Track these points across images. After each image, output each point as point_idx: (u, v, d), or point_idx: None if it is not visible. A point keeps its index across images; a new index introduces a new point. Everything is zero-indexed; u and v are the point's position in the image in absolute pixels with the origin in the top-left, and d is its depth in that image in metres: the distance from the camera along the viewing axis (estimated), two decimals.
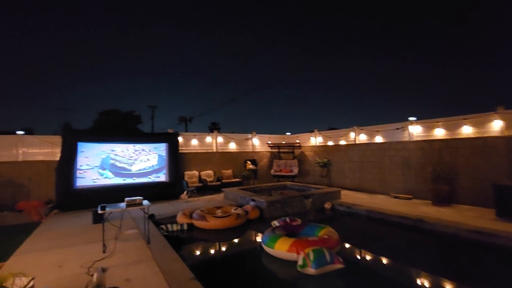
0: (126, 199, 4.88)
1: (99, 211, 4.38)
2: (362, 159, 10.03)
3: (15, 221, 7.26)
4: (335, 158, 11.14)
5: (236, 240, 5.93)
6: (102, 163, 8.53)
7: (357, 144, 10.46)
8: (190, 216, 6.62)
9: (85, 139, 8.41)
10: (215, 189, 10.63)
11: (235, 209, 7.01)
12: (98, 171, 8.42)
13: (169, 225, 6.20)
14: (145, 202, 5.01)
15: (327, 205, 8.03)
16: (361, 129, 10.45)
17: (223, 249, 5.49)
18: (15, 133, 8.44)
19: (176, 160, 9.99)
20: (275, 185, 10.63)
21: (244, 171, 11.85)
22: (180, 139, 10.64)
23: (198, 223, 6.26)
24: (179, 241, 5.58)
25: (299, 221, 5.84)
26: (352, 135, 10.76)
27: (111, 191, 8.48)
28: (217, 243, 5.71)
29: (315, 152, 12.22)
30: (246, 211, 6.84)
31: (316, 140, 12.41)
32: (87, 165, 8.24)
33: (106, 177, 8.55)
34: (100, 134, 9.19)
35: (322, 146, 12.07)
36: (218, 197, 9.66)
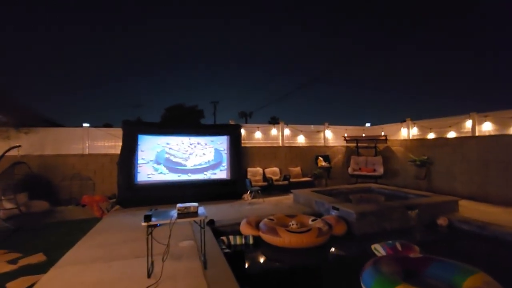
0: (178, 205, 3.70)
1: (143, 223, 3.26)
2: (486, 158, 7.26)
3: (78, 216, 6.99)
4: (439, 156, 8.49)
5: (321, 270, 4.29)
6: (157, 157, 7.86)
7: (476, 136, 7.67)
8: (257, 226, 5.25)
9: (144, 131, 7.82)
10: (282, 189, 9.15)
11: (313, 220, 5.39)
12: (153, 166, 7.78)
13: (231, 237, 4.92)
14: (201, 211, 3.77)
15: (442, 221, 5.75)
16: (484, 116, 7.62)
17: (304, 283, 3.90)
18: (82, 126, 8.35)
19: (238, 155, 8.81)
20: (357, 187, 8.60)
21: (316, 169, 10.08)
22: (242, 131, 9.44)
23: (267, 237, 4.83)
24: (243, 262, 4.24)
25: (416, 251, 3.90)
26: (468, 124, 7.98)
27: (169, 188, 7.78)
28: (294, 272, 4.15)
29: (407, 147, 9.67)
30: (329, 225, 5.13)
31: (409, 132, 9.82)
32: (143, 159, 7.63)
33: (161, 173, 7.86)
34: (157, 126, 8.55)
35: (418, 139, 9.46)
36: (286, 200, 8.16)
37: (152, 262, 3.72)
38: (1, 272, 3.92)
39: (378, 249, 4.05)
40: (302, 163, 10.29)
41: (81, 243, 4.72)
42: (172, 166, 8.02)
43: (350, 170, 10.16)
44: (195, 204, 3.80)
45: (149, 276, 3.35)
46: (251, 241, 4.90)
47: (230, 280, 3.27)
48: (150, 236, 3.34)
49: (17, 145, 6.55)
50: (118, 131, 8.09)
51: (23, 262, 4.31)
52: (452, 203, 6.27)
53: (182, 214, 3.59)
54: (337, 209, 5.84)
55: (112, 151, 8.38)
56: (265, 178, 9.42)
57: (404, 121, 10.01)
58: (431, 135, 9.08)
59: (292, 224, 5.17)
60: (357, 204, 6.00)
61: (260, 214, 6.43)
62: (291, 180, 9.37)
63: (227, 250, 4.32)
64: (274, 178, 9.37)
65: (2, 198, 5.85)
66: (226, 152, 8.75)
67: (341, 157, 11.03)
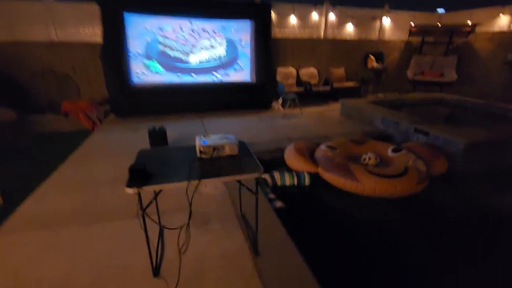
0: (199, 142, 1.83)
1: (128, 189, 1.45)
2: None
3: (63, 128, 5.36)
4: None
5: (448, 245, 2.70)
6: (148, 49, 5.57)
7: None
8: (311, 156, 3.54)
9: (130, 8, 5.27)
10: (322, 97, 7.13)
11: (394, 151, 3.60)
12: (143, 62, 5.60)
13: (276, 175, 3.25)
14: (246, 152, 1.92)
15: None
16: None
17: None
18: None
19: (268, 50, 6.39)
20: (425, 98, 6.48)
21: (364, 71, 7.74)
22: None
23: (333, 179, 3.14)
24: (301, 222, 2.68)
25: None
26: None
27: (176, 92, 5.93)
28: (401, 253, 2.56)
29: (503, 43, 6.97)
30: (425, 162, 3.36)
31: None
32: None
33: (156, 71, 5.75)
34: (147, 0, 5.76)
35: None
36: (331, 112, 6.25)
37: (161, 232, 2.16)
38: None
39: None
40: (346, 62, 7.85)
41: (55, 178, 3.15)
42: (169, 63, 5.79)
43: (409, 74, 7.77)
44: (231, 138, 1.92)
45: (156, 273, 1.80)
46: (306, 182, 3.26)
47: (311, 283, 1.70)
48: (144, 219, 1.59)
49: None
50: (96, 8, 5.50)
51: None
52: None
53: (209, 163, 1.75)
54: (427, 133, 3.97)
55: (95, 40, 6.00)
56: (299, 81, 7.25)
57: (503, 5, 6.87)
58: None
59: (369, 158, 3.41)
60: (459, 127, 4.03)
61: (304, 133, 4.67)
62: (334, 85, 7.20)
63: (280, 205, 2.71)
64: (312, 82, 7.19)
65: None
66: (243, 44, 6.32)
67: (397, 55, 8.42)
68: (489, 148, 3.66)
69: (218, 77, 6.36)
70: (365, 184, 2.90)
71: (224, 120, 5.51)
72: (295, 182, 3.23)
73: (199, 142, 1.82)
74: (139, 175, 1.50)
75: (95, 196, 2.73)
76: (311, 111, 6.25)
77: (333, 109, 6.42)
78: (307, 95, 6.86)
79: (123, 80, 5.51)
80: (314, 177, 3.31)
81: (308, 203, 3.00)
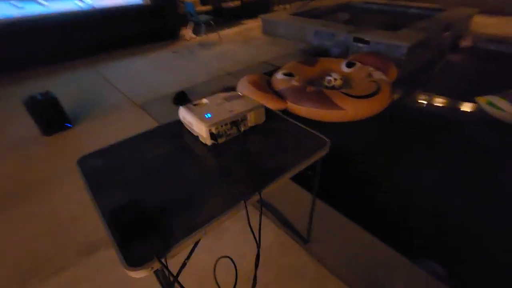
0: (202, 118, 0.98)
1: (137, 272, 0.70)
2: None
3: None
4: None
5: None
6: None
7: None
8: (271, 89, 2.94)
9: None
10: (232, 16, 6.08)
11: (349, 66, 3.35)
12: None
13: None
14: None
15: (466, 42, 4.65)
16: None
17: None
18: None
19: None
20: (330, 5, 6.27)
21: None
22: None
23: (311, 111, 2.70)
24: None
25: None
26: None
27: (36, 33, 3.84)
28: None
29: None
30: (380, 71, 3.26)
31: None
32: None
33: None
34: None
35: None
36: (252, 32, 5.43)
37: None
38: None
39: (498, 103, 2.63)
40: None
41: None
42: None
43: None
44: (235, 92, 1.15)
45: None
46: None
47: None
48: None
49: None
50: None
51: None
52: (465, 19, 5.01)
53: (236, 151, 0.98)
54: (367, 42, 3.83)
55: None
56: None
57: None
58: None
59: (335, 80, 3.04)
60: (396, 32, 3.99)
61: (239, 62, 3.89)
62: None
63: None
64: None
65: None
66: None
67: None
68: (423, 46, 3.85)
69: (85, 1, 4.41)
70: (348, 110, 2.59)
71: (128, 63, 4.04)
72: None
73: (199, 119, 0.97)
74: (145, 234, 0.64)
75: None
76: (229, 34, 5.27)
77: (252, 28, 5.59)
78: (218, 15, 5.67)
79: None
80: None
81: None
